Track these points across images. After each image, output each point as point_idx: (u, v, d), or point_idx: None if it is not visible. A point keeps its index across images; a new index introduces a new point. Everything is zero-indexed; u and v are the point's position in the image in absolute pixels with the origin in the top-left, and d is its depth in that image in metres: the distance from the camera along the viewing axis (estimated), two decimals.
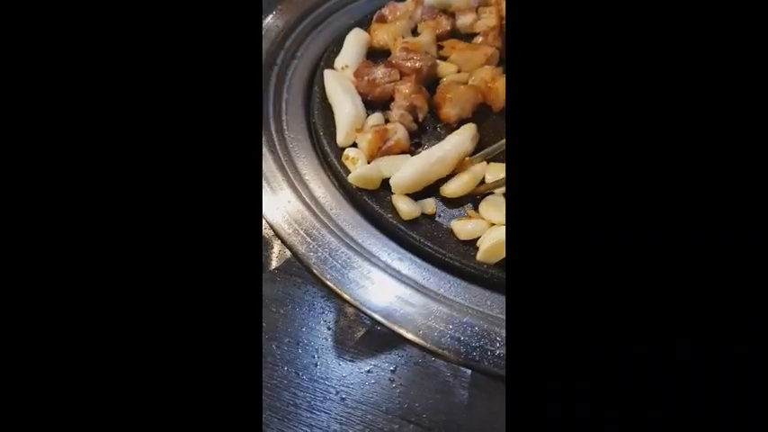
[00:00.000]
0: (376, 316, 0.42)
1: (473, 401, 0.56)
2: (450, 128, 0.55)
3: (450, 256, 0.46)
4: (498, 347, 0.40)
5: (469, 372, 0.58)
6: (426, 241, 0.47)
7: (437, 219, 0.50)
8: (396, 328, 0.41)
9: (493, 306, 0.43)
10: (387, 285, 0.44)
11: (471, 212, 0.49)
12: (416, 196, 0.50)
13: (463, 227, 0.47)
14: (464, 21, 0.66)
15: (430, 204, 0.50)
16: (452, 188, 0.50)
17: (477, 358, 0.39)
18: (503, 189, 0.49)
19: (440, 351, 0.40)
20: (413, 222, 0.49)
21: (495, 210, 0.48)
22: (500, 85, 0.56)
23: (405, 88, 0.56)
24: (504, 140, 0.49)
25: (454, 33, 0.66)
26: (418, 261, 0.46)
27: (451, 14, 0.67)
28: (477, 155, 0.51)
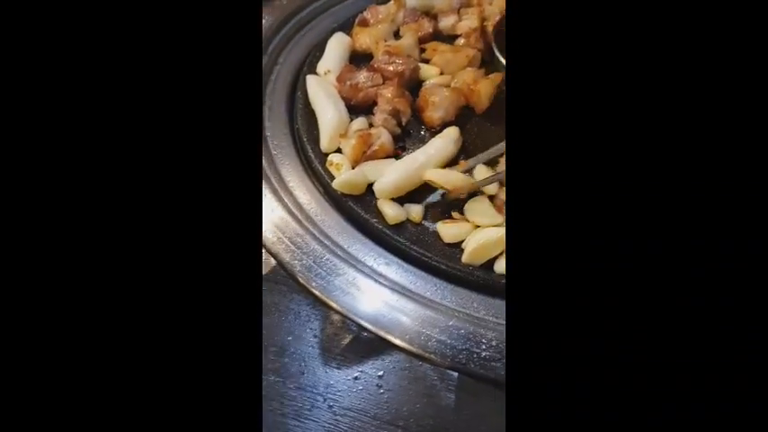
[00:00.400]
0: (363, 322, 0.42)
1: (460, 404, 0.56)
2: (434, 131, 0.55)
3: (436, 259, 0.46)
4: (484, 350, 0.40)
5: (456, 375, 0.58)
6: (412, 245, 0.47)
7: (422, 222, 0.49)
8: (383, 333, 0.41)
9: (479, 308, 0.43)
10: (373, 291, 0.43)
11: (456, 215, 0.49)
12: (402, 200, 0.50)
13: (448, 230, 0.47)
14: (446, 23, 0.66)
15: (416, 211, 0.49)
16: (437, 174, 0.50)
17: (464, 361, 0.39)
18: (489, 190, 0.50)
19: (426, 355, 0.40)
20: (398, 226, 0.48)
21: (479, 212, 0.48)
22: (482, 87, 0.56)
23: (387, 92, 0.56)
24: (491, 149, 0.49)
25: (436, 35, 0.66)
26: (404, 265, 0.46)
27: (434, 16, 0.67)
28: (470, 160, 0.51)
